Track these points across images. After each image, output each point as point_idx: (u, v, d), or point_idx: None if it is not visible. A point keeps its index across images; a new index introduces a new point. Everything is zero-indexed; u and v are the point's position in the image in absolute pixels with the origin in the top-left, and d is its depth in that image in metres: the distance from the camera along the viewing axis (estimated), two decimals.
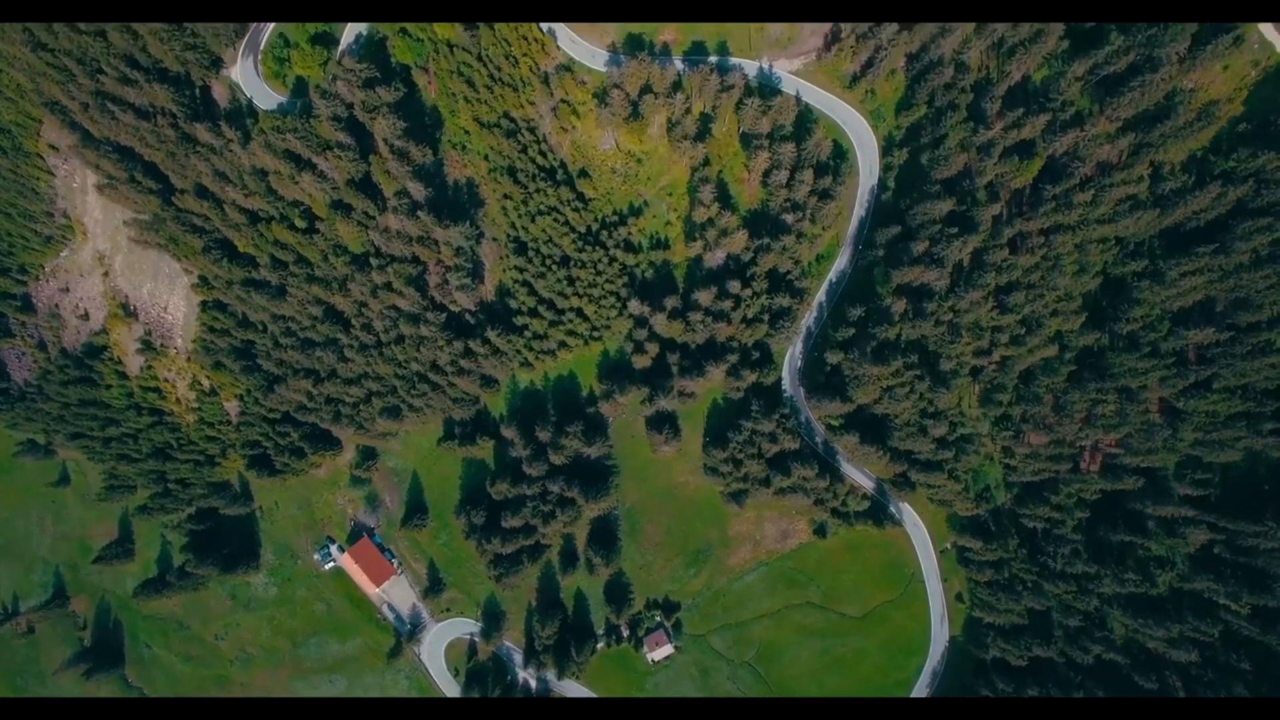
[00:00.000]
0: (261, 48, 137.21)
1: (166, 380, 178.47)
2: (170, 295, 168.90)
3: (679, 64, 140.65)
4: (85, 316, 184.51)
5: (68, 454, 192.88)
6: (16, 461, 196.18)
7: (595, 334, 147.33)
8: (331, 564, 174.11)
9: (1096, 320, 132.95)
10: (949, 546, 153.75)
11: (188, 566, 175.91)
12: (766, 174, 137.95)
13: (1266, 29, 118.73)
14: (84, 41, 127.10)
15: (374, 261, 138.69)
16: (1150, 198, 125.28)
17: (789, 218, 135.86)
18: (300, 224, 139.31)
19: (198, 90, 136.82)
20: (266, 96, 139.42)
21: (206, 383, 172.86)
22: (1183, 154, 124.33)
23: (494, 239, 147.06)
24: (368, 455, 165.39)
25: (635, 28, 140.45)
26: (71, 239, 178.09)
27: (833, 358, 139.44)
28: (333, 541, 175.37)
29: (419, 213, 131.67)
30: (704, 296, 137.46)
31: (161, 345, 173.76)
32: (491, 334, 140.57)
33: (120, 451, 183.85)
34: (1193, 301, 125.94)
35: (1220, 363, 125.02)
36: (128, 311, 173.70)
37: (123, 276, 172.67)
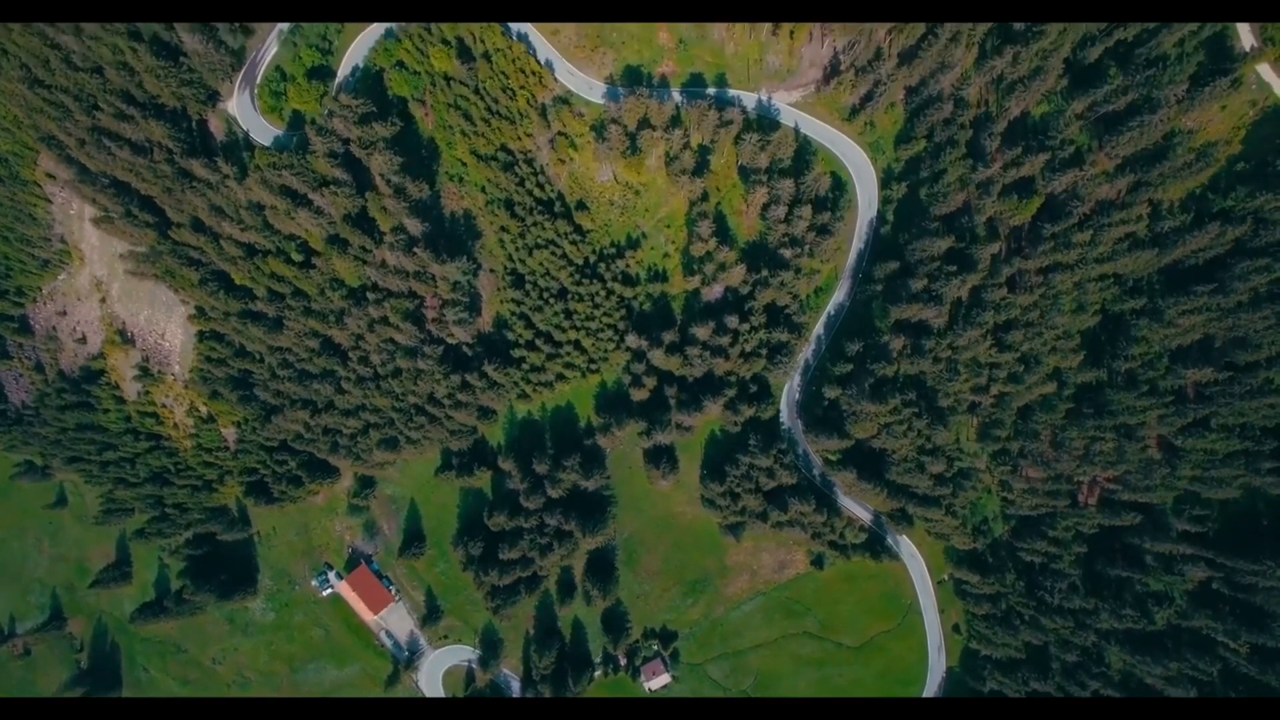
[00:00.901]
0: (258, 81, 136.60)
1: (164, 406, 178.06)
2: (167, 323, 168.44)
3: (677, 96, 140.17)
4: (82, 340, 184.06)
5: (65, 476, 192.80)
6: (13, 483, 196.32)
7: (593, 366, 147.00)
8: (329, 590, 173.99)
9: (1095, 357, 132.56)
10: (946, 578, 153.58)
11: (185, 593, 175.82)
12: (765, 208, 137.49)
13: (1264, 69, 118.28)
14: (80, 79, 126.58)
15: (371, 296, 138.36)
16: (1149, 235, 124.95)
17: (787, 253, 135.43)
18: (297, 257, 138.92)
19: (194, 124, 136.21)
20: (263, 130, 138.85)
21: (204, 409, 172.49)
22: (1181, 192, 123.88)
23: (491, 270, 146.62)
24: (365, 484, 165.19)
25: (633, 59, 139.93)
26: (69, 263, 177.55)
27: (830, 392, 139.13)
28: (330, 568, 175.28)
29: (415, 249, 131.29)
30: (701, 331, 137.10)
31: (159, 372, 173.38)
32: (489, 368, 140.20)
33: (117, 475, 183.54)
34: (1191, 340, 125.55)
35: (1219, 401, 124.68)
36: (125, 338, 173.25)
37: (120, 303, 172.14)
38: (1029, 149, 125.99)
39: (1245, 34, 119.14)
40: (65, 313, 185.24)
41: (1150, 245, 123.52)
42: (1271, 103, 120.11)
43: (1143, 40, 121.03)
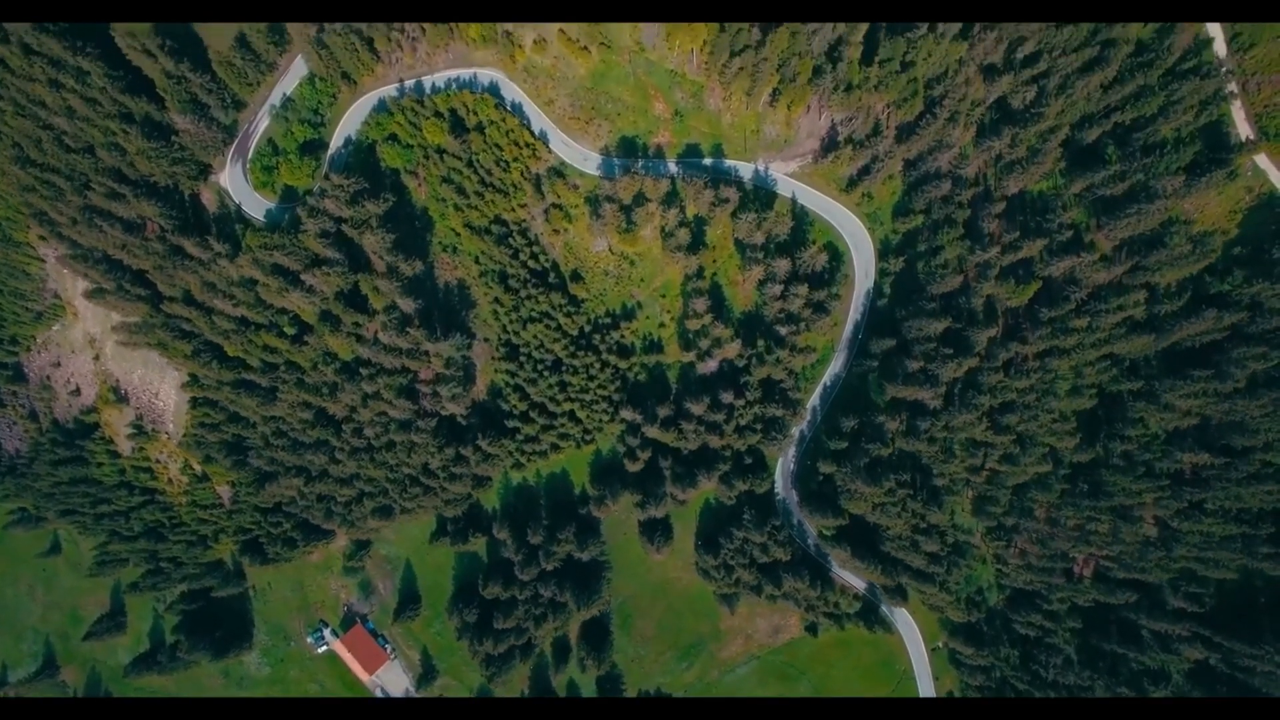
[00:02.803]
0: (250, 155, 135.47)
1: (158, 462, 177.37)
2: (161, 383, 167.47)
3: (673, 167, 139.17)
4: (76, 392, 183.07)
5: (59, 525, 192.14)
6: (7, 531, 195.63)
7: (587, 437, 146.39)
8: (325, 647, 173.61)
9: (1092, 436, 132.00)
10: (941, 645, 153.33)
11: (179, 650, 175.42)
12: (761, 283, 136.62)
13: (1261, 159, 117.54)
14: (72, 159, 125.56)
15: (364, 371, 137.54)
16: (1146, 318, 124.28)
17: (783, 329, 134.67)
18: (289, 331, 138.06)
19: (186, 199, 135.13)
20: (255, 202, 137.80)
21: (198, 467, 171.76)
22: (1179, 276, 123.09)
23: (486, 340, 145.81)
24: (361, 545, 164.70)
25: (628, 129, 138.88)
26: (62, 316, 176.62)
27: (825, 468, 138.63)
28: (326, 625, 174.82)
29: (409, 328, 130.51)
30: (696, 407, 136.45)
31: (153, 430, 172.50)
32: (483, 442, 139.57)
33: (111, 528, 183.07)
34: (1188, 425, 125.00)
35: (1215, 485, 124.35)
36: (119, 395, 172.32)
37: (113, 361, 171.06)
38: (1027, 233, 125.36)
39: (1241, 123, 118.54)
40: (59, 364, 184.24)
41: (1148, 330, 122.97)
42: (1267, 190, 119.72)
43: (1140, 125, 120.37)
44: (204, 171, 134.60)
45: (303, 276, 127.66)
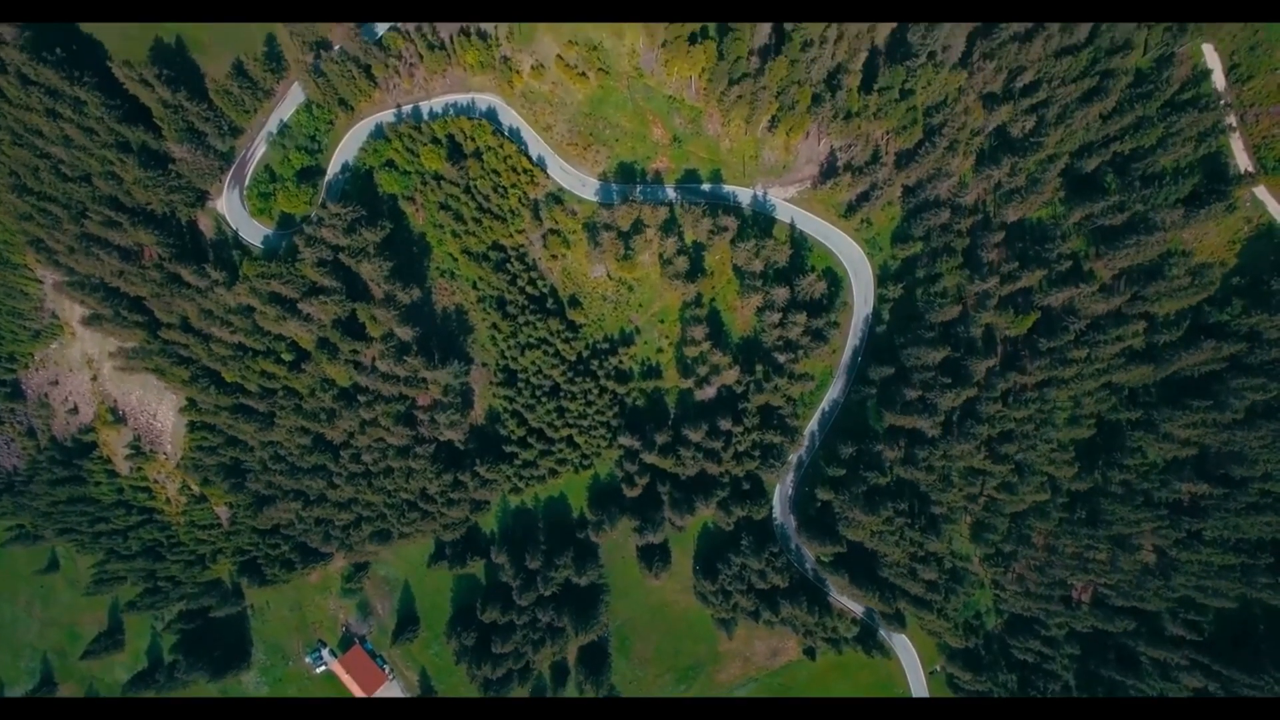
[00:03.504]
0: (246, 182, 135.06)
1: (156, 482, 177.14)
2: (159, 404, 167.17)
3: (671, 193, 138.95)
4: (74, 410, 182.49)
5: (57, 543, 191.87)
6: (4, 548, 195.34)
7: (585, 462, 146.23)
8: (323, 668, 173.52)
9: (1090, 462, 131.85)
10: (939, 669, 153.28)
11: (177, 670, 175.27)
12: (760, 310, 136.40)
13: (1260, 190, 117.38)
14: (69, 188, 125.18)
15: (361, 398, 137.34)
16: (1145, 348, 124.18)
17: (781, 357, 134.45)
18: (287, 357, 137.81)
19: (184, 225, 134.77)
20: (252, 229, 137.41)
21: (196, 488, 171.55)
22: (1177, 306, 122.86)
23: (484, 364, 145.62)
24: (359, 567, 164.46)
25: (626, 155, 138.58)
26: (60, 335, 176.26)
27: (824, 495, 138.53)
28: (324, 645, 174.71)
29: (406, 356, 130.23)
30: (695, 434, 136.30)
31: (150, 450, 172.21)
32: (480, 468, 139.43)
33: (109, 547, 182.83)
34: (1187, 455, 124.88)
35: (1214, 515, 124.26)
36: (116, 416, 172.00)
37: (111, 382, 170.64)
38: (1027, 262, 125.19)
39: (1240, 153, 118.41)
40: (57, 382, 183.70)
41: (1147, 360, 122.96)
42: (1266, 220, 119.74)
43: (1139, 155, 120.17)
44: (201, 198, 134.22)
45: (300, 305, 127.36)
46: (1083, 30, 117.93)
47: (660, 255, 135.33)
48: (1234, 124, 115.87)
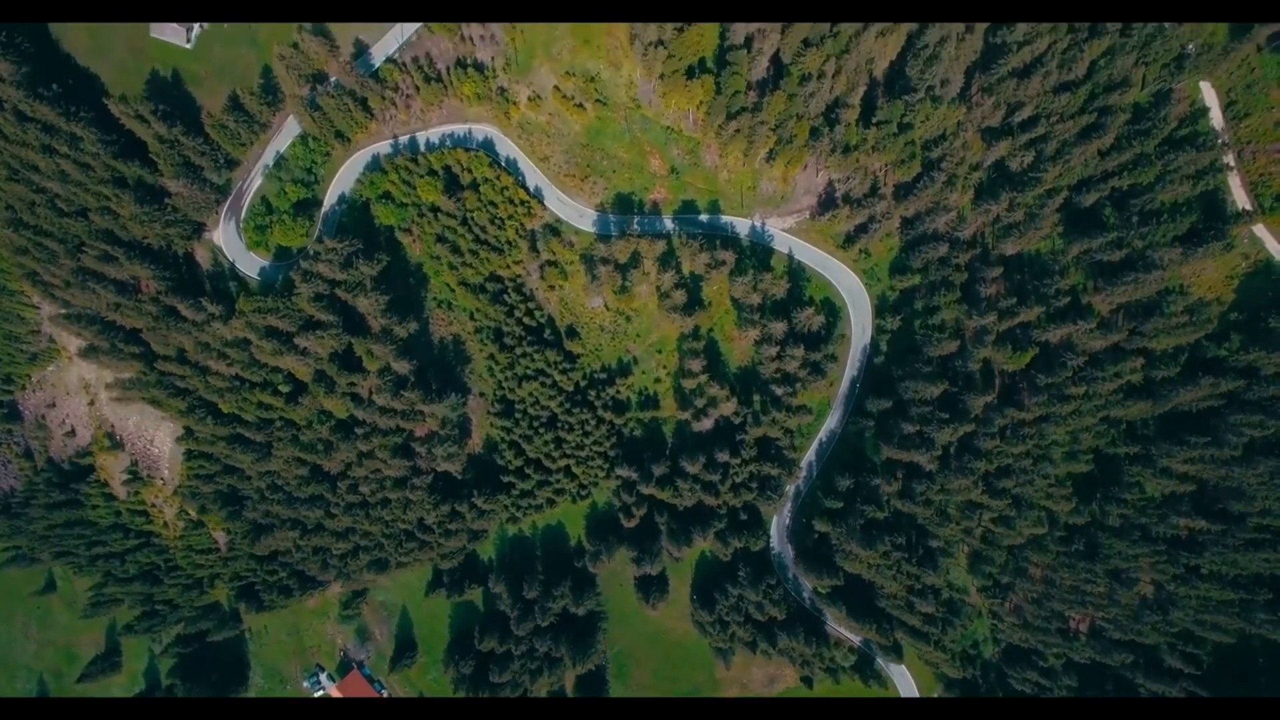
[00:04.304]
0: (243, 214, 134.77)
1: (154, 506, 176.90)
2: (156, 430, 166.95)
3: (669, 223, 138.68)
4: (71, 433, 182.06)
5: (54, 564, 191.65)
6: (1, 570, 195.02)
7: (583, 492, 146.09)
8: (321, 692, 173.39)
9: (1088, 495, 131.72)
10: (937, 696, 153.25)
11: (175, 694, 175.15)
12: (758, 343, 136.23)
13: (1258, 228, 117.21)
14: (65, 223, 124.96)
15: (359, 430, 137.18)
16: (1144, 383, 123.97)
17: (779, 389, 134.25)
18: (284, 389, 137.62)
19: (180, 257, 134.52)
20: (249, 260, 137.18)
21: (194, 513, 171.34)
22: (1175, 343, 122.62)
23: (481, 394, 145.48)
24: (357, 593, 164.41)
25: (624, 186, 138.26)
26: (57, 358, 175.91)
27: (821, 526, 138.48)
28: (322, 669, 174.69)
29: (403, 391, 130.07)
30: (692, 466, 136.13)
31: (148, 475, 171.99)
32: (478, 500, 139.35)
33: (106, 569, 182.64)
34: (1185, 490, 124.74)
35: (1212, 549, 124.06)
36: (113, 441, 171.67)
37: (108, 407, 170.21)
38: (1025, 298, 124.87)
39: (1237, 189, 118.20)
40: (54, 404, 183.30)
41: (1145, 395, 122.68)
42: (1263, 257, 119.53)
43: (1137, 192, 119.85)
44: (198, 230, 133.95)
45: (296, 340, 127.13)
46: (1081, 66, 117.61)
47: (658, 288, 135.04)
48: (1231, 163, 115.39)
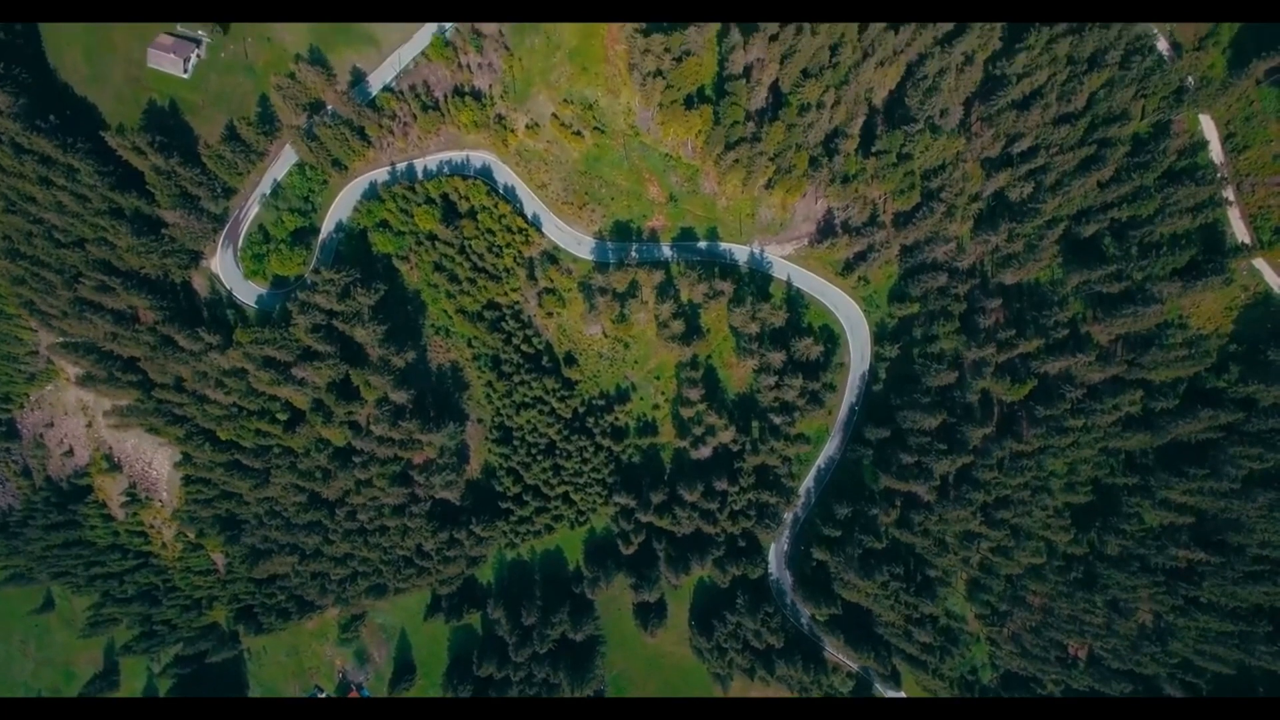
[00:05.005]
0: (241, 243, 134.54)
1: (152, 527, 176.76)
2: (154, 453, 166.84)
3: (667, 250, 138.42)
4: (70, 453, 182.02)
5: (52, 584, 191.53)
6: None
7: (581, 519, 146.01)
8: None
9: (1086, 524, 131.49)
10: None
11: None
12: (757, 371, 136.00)
13: (1259, 262, 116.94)
14: (62, 254, 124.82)
15: (356, 459, 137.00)
16: (1143, 414, 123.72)
17: (777, 418, 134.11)
18: (282, 417, 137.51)
19: (178, 285, 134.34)
20: (246, 288, 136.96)
21: (192, 537, 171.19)
22: (1174, 375, 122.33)
23: (479, 420, 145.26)
24: (356, 616, 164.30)
25: (622, 214, 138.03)
26: (55, 378, 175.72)
27: (819, 554, 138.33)
28: (321, 690, 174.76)
29: (401, 421, 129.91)
30: (691, 495, 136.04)
31: (146, 497, 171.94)
32: (476, 527, 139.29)
33: (105, 589, 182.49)
34: (1184, 523, 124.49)
35: (1211, 581, 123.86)
36: (111, 464, 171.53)
37: (106, 429, 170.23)
38: (1024, 329, 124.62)
39: (1236, 221, 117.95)
40: (52, 424, 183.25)
41: (1144, 427, 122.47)
42: (1262, 289, 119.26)
43: (1137, 224, 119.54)
44: (195, 258, 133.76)
45: (294, 370, 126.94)
46: (1080, 98, 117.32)
47: (656, 317, 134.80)
48: (1231, 198, 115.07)
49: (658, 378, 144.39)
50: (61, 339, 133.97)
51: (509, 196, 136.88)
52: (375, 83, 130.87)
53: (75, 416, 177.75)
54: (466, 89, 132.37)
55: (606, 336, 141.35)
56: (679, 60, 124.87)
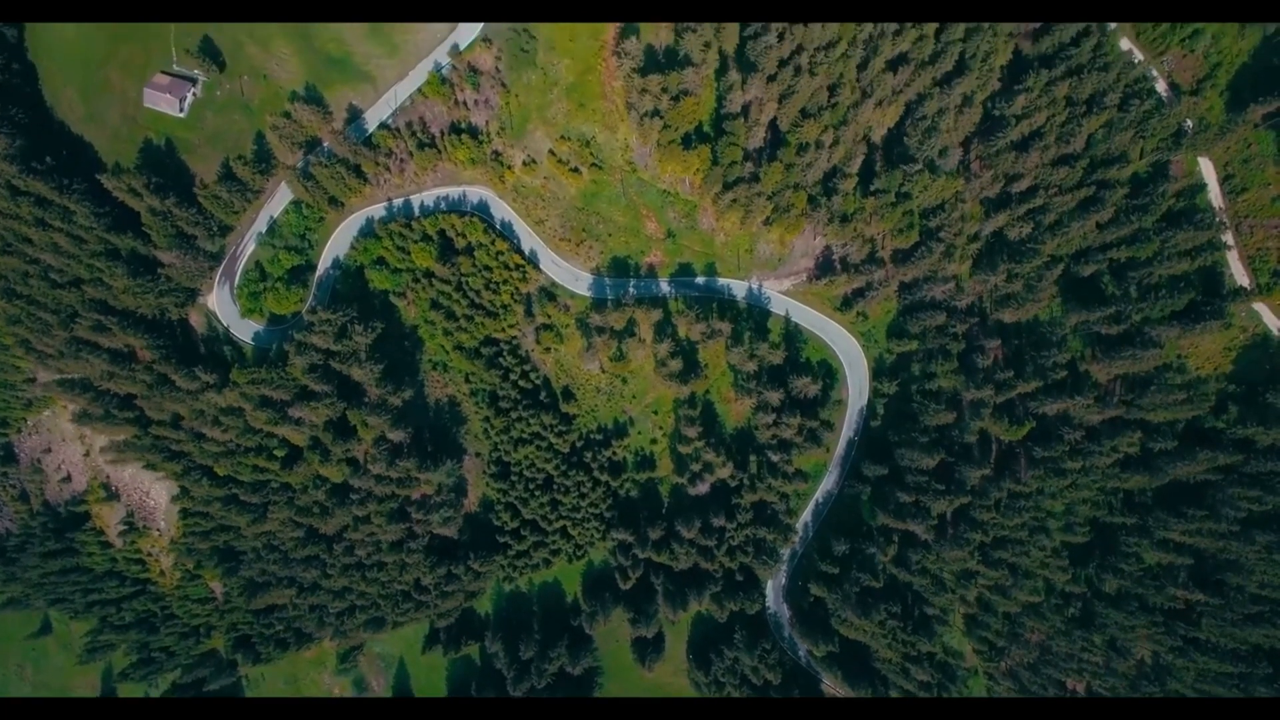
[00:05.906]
0: (237, 280, 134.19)
1: (150, 555, 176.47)
2: (152, 483, 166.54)
3: (665, 286, 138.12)
4: (67, 479, 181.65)
5: (49, 609, 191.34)
6: None
7: (579, 553, 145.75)
8: None
9: (1085, 562, 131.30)
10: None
11: None
12: (755, 409, 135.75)
13: (1260, 305, 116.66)
14: (58, 294, 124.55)
15: (354, 495, 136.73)
16: (1141, 455, 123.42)
17: (775, 456, 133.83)
18: (279, 454, 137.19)
19: (174, 323, 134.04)
20: (243, 326, 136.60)
21: (190, 567, 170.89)
22: (1172, 417, 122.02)
23: (477, 454, 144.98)
24: (354, 646, 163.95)
25: (620, 250, 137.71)
26: (53, 404, 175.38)
27: (817, 590, 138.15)
28: None
29: (399, 460, 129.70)
30: (688, 531, 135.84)
31: (144, 526, 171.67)
32: (474, 563, 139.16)
33: (102, 615, 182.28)
34: (1182, 561, 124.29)
35: (1210, 620, 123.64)
36: (109, 492, 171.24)
37: (104, 457, 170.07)
38: (1022, 369, 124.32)
39: (1235, 263, 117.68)
40: (50, 450, 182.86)
41: (1142, 468, 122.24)
42: (1261, 331, 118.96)
43: (1136, 265, 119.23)
44: (191, 296, 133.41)
45: (291, 410, 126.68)
46: (1079, 140, 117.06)
47: (654, 355, 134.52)
48: (1230, 242, 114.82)
49: (655, 412, 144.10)
50: (58, 377, 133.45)
51: (506, 233, 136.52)
52: (371, 120, 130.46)
53: (73, 444, 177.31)
54: (463, 125, 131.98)
55: (604, 372, 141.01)
56: (676, 100, 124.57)
